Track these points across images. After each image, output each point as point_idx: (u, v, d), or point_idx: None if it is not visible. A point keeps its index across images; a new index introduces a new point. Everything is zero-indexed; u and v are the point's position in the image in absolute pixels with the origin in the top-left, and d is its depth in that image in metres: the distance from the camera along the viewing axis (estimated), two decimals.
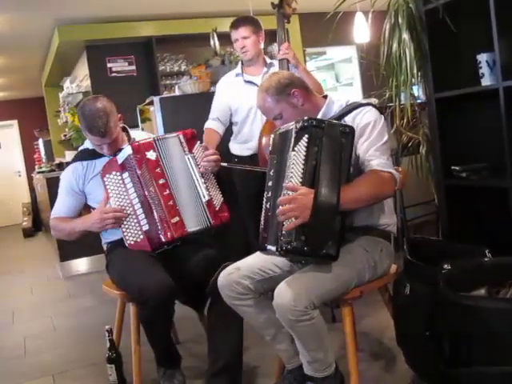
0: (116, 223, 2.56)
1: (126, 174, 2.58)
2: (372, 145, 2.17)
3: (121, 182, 2.59)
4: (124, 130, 2.76)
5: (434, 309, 2.12)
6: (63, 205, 2.71)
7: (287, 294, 2.00)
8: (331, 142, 2.03)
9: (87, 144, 2.77)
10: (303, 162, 2.02)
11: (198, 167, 2.67)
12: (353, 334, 2.23)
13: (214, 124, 3.53)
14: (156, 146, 2.60)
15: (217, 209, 2.66)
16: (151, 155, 2.57)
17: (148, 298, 2.29)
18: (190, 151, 2.68)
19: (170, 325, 2.76)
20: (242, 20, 3.48)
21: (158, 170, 2.57)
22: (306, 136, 2.03)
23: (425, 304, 2.18)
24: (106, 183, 2.59)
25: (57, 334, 3.84)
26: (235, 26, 3.47)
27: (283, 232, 2.01)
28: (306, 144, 2.03)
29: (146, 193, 2.54)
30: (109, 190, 2.58)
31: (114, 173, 2.59)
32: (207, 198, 2.64)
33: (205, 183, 2.66)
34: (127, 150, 2.56)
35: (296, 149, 2.04)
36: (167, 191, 2.56)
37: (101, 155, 2.68)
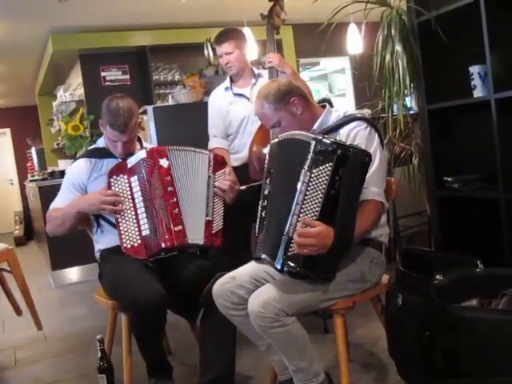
0: (113, 210, 2.57)
1: (134, 178, 2.62)
2: None
3: (127, 185, 2.62)
4: (138, 139, 2.82)
5: (426, 319, 2.12)
6: (65, 199, 2.70)
7: (257, 301, 2.03)
8: (352, 173, 1.97)
9: (99, 143, 2.83)
10: (323, 190, 1.94)
11: (213, 189, 2.72)
12: (345, 345, 2.23)
13: (218, 142, 3.52)
14: (170, 154, 2.64)
15: (213, 232, 2.69)
16: (164, 162, 2.62)
17: (140, 308, 2.28)
18: (214, 173, 2.74)
19: (162, 335, 2.75)
20: (224, 35, 3.45)
21: (168, 177, 2.61)
22: (330, 164, 1.94)
23: (417, 315, 2.18)
24: (112, 184, 2.61)
25: (48, 343, 3.82)
26: (218, 41, 3.45)
27: (289, 253, 1.99)
28: (329, 172, 1.94)
29: (153, 198, 2.58)
30: None
31: (121, 175, 2.63)
32: (210, 218, 2.68)
33: (213, 205, 2.71)
34: (141, 154, 2.62)
35: (315, 171, 1.95)
36: (174, 199, 2.60)
37: (110, 156, 2.72)
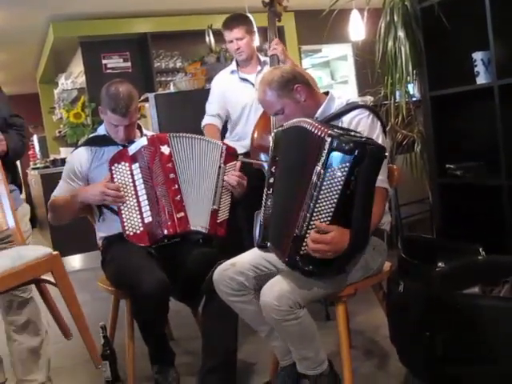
0: (115, 201, 2.57)
1: (135, 165, 2.61)
2: None
3: (129, 172, 2.61)
4: (138, 127, 2.81)
5: (428, 306, 2.13)
6: (65, 188, 2.71)
7: (271, 294, 2.01)
8: (369, 171, 1.87)
9: (99, 131, 2.81)
10: (338, 190, 1.84)
11: (223, 179, 2.71)
12: (346, 332, 2.23)
13: (213, 119, 3.54)
14: (171, 141, 2.64)
15: (218, 221, 2.68)
16: (165, 149, 2.61)
17: (143, 295, 2.29)
18: (225, 164, 2.72)
19: (165, 322, 2.76)
20: (235, 20, 3.45)
21: (169, 164, 2.60)
22: (348, 164, 1.82)
23: (418, 302, 2.18)
24: (113, 172, 2.60)
25: (51, 330, 3.81)
26: (229, 26, 3.44)
27: (301, 251, 1.94)
28: (345, 173, 1.83)
29: (155, 185, 2.58)
30: (115, 179, 2.60)
31: (123, 163, 2.62)
32: (216, 207, 2.67)
33: (221, 195, 2.70)
34: (142, 141, 2.62)
35: (330, 171, 1.85)
36: (176, 186, 2.60)
37: (110, 143, 2.71)
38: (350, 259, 2.00)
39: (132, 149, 2.63)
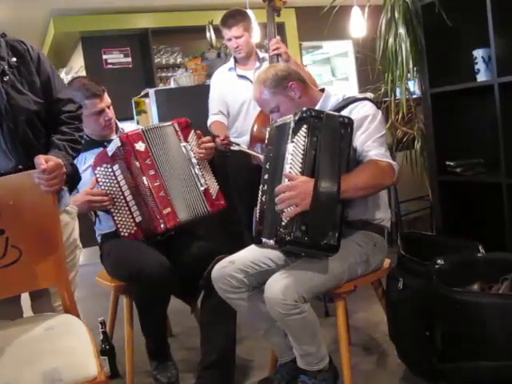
0: (102, 206, 2.56)
1: (116, 166, 2.58)
2: (370, 136, 2.17)
3: (112, 174, 2.59)
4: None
5: (427, 304, 2.13)
6: None
7: (276, 288, 2.01)
8: (330, 133, 2.02)
9: None
10: (302, 152, 2.01)
11: (193, 156, 2.66)
12: (346, 328, 2.24)
13: (218, 117, 3.54)
14: (145, 136, 2.57)
15: (214, 197, 2.67)
16: (140, 146, 2.55)
17: (147, 276, 2.27)
18: (186, 140, 2.67)
19: (165, 312, 2.75)
20: (233, 18, 3.43)
21: (147, 161, 2.54)
22: (305, 126, 2.02)
23: (418, 299, 2.18)
24: (97, 175, 2.58)
25: None
26: (227, 24, 3.43)
27: (282, 223, 1.99)
28: (304, 134, 2.01)
29: (137, 184, 2.54)
30: (100, 183, 2.58)
31: (104, 165, 2.59)
32: (204, 186, 2.64)
33: (201, 171, 2.66)
34: (116, 142, 2.56)
35: (295, 140, 2.03)
36: (158, 182, 2.54)
37: (90, 147, 2.67)
38: (326, 218, 1.98)
39: (110, 149, 2.59)
